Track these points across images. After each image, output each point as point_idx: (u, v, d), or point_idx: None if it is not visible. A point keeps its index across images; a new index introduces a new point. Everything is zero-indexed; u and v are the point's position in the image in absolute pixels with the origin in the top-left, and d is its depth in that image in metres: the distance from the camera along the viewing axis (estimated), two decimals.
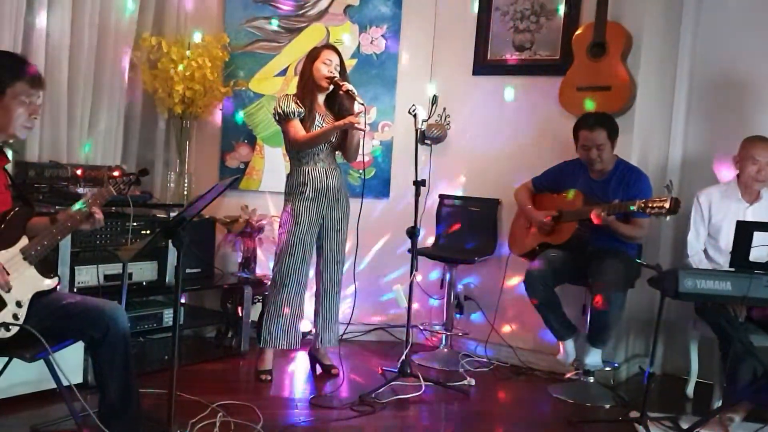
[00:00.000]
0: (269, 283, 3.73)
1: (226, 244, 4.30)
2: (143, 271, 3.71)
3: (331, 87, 3.54)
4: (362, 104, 3.44)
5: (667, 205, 3.13)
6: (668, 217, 3.20)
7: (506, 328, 4.19)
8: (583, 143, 3.61)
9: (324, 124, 3.54)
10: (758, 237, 2.93)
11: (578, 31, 3.93)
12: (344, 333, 4.12)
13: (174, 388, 2.48)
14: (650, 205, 3.20)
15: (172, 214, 3.76)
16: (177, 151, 4.33)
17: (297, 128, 3.51)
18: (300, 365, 3.95)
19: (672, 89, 4.13)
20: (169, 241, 3.02)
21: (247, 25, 4.41)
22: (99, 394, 2.52)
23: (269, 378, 3.62)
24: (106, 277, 3.49)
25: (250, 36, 4.41)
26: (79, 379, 3.19)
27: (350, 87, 3.47)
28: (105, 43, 4.04)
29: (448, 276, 4.19)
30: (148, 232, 3.68)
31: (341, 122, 3.45)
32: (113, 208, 3.58)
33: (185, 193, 4.23)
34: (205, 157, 4.50)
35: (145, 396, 2.88)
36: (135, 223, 3.57)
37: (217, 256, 4.26)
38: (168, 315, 3.79)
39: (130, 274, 3.61)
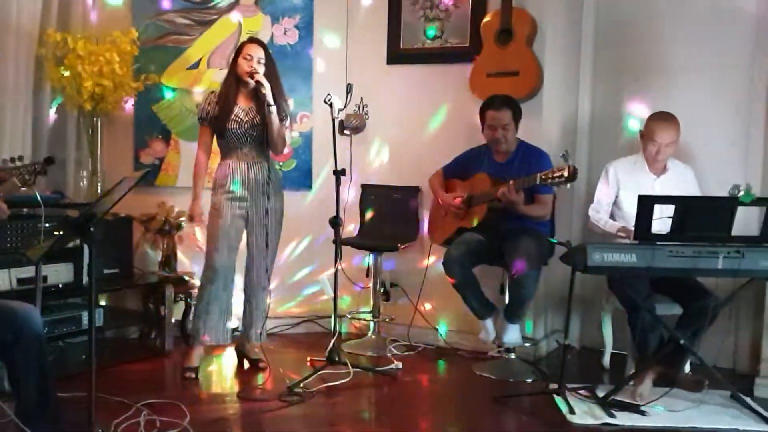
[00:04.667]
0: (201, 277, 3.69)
1: (144, 243, 4.22)
2: (58, 274, 3.62)
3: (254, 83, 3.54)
4: (270, 105, 3.48)
5: (565, 173, 3.24)
6: (569, 185, 3.31)
7: (431, 312, 4.27)
8: (489, 123, 3.71)
9: (244, 118, 3.56)
10: (659, 210, 3.07)
11: (486, 19, 4.03)
12: (272, 327, 4.11)
13: (93, 388, 2.44)
14: (550, 175, 3.31)
15: None
16: (89, 149, 4.22)
17: (201, 140, 3.64)
18: (227, 361, 3.92)
19: (577, 66, 4.27)
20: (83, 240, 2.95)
21: (156, 18, 4.32)
22: (15, 400, 2.46)
23: (193, 376, 3.58)
24: (20, 281, 3.39)
25: (160, 29, 4.33)
26: None
27: (260, 78, 3.47)
28: (6, 39, 3.89)
29: (373, 264, 4.24)
30: (61, 232, 3.58)
31: (191, 209, 3.60)
32: (24, 209, 3.47)
33: (98, 191, 4.13)
34: (119, 154, 4.39)
35: (66, 400, 2.83)
36: (47, 224, 3.47)
37: (135, 255, 4.19)
38: (87, 317, 3.70)
39: (45, 277, 3.51)
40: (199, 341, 3.60)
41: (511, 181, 3.51)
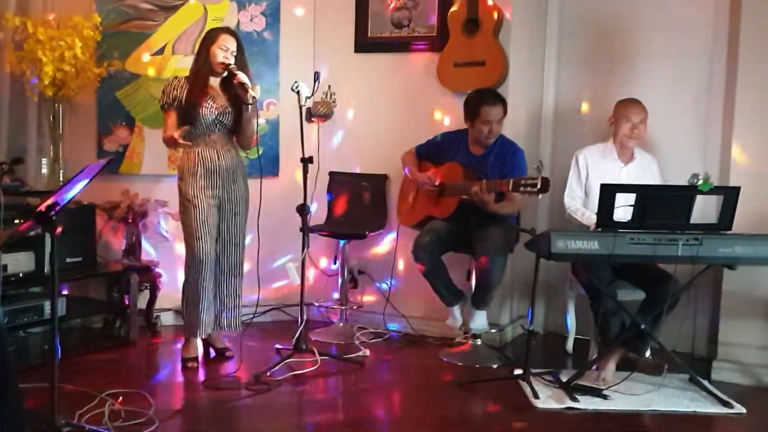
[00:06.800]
0: (184, 269, 3.64)
1: (108, 232, 4.17)
2: (19, 262, 3.56)
3: (226, 73, 3.51)
4: (254, 98, 3.47)
5: (538, 184, 3.25)
6: (540, 196, 3.31)
7: (399, 299, 4.29)
8: (486, 118, 3.68)
9: (215, 105, 3.52)
10: (621, 198, 3.13)
11: (453, 8, 4.04)
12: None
13: (56, 378, 2.41)
14: (522, 183, 3.31)
15: None
16: (50, 136, 4.14)
17: (167, 123, 3.53)
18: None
19: (543, 56, 4.32)
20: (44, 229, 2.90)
21: (119, 3, 4.25)
22: None
23: (196, 365, 3.57)
24: None
25: (123, 14, 4.25)
26: None
27: (243, 79, 3.45)
28: None
29: (341, 251, 4.25)
30: (22, 221, 3.52)
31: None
32: None
33: (60, 180, 4.06)
34: (81, 141, 4.31)
35: (29, 391, 2.79)
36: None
37: (99, 244, 4.13)
38: (49, 306, 3.64)
39: (5, 266, 3.45)
40: (198, 333, 3.59)
41: (483, 182, 3.51)
